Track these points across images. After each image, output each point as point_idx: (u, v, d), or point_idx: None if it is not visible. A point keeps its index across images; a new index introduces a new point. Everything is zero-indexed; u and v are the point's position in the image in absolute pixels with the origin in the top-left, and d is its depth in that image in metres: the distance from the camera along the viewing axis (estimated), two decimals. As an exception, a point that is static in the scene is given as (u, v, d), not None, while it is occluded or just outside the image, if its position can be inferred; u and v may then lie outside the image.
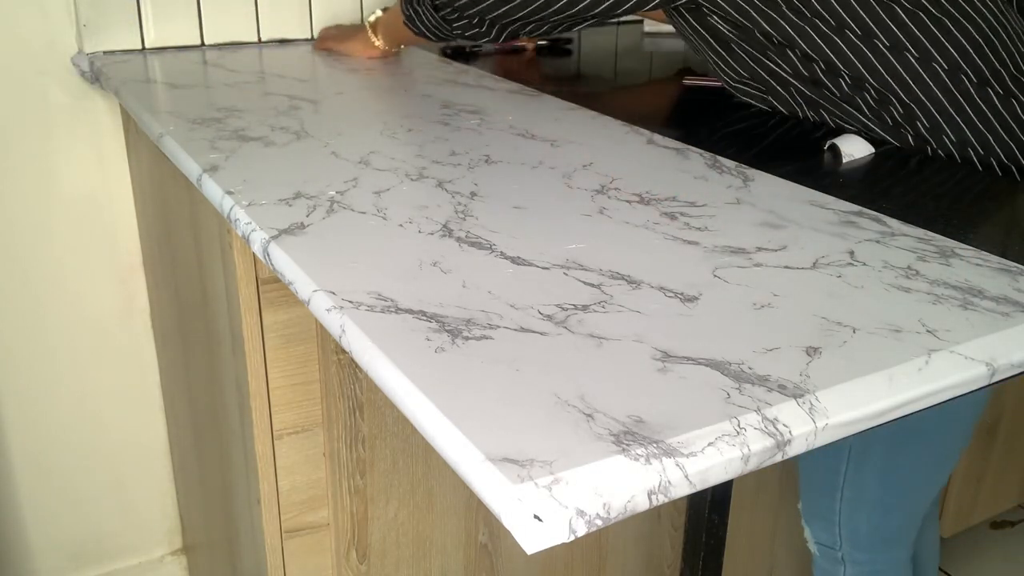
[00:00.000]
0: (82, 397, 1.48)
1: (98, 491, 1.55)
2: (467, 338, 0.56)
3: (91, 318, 1.45)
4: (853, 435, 1.01)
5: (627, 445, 0.46)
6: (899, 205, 0.82)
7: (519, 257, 0.68)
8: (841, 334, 0.58)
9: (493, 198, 0.80)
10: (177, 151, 0.92)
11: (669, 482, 0.45)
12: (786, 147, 1.01)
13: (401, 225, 0.74)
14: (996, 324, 0.60)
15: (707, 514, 1.24)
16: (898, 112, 0.97)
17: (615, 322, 0.58)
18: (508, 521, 0.43)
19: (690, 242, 0.72)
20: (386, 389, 0.53)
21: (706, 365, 0.54)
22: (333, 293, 0.61)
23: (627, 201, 0.80)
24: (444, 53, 1.43)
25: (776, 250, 0.71)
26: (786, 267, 0.68)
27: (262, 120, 1.02)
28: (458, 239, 0.71)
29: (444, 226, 0.73)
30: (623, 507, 0.44)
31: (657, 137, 1.00)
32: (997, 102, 0.93)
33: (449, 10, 1.09)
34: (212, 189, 0.82)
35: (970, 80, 0.93)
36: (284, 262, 0.67)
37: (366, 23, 1.31)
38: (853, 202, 0.81)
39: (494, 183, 0.84)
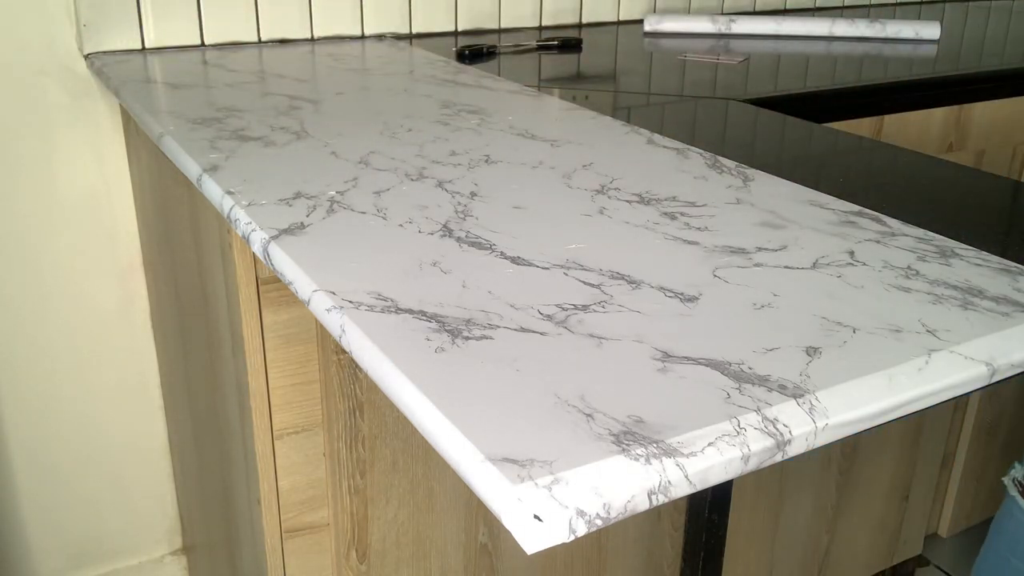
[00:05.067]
0: (82, 397, 1.48)
1: (98, 491, 1.55)
2: (467, 338, 0.56)
3: (91, 318, 1.45)
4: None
5: (627, 445, 0.46)
6: (899, 205, 0.82)
7: (519, 257, 0.68)
8: (841, 334, 0.58)
9: (493, 198, 0.80)
10: (177, 151, 0.92)
11: (669, 482, 0.45)
12: (786, 147, 1.01)
13: (401, 225, 0.74)
14: (996, 324, 0.60)
15: (707, 514, 1.24)
16: None
17: (615, 322, 0.58)
18: (508, 521, 0.43)
19: (690, 242, 0.72)
20: (386, 389, 0.53)
21: (706, 365, 0.54)
22: (333, 293, 0.61)
23: (627, 201, 0.80)
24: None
25: (776, 250, 0.71)
26: (786, 267, 0.68)
27: (262, 120, 1.02)
28: (458, 239, 0.71)
29: (444, 226, 0.73)
30: (623, 507, 0.44)
31: (657, 137, 1.00)
32: None
33: None
34: (212, 189, 0.82)
35: None
36: (284, 262, 0.67)
37: None
38: (853, 202, 0.81)
39: (494, 183, 0.84)
